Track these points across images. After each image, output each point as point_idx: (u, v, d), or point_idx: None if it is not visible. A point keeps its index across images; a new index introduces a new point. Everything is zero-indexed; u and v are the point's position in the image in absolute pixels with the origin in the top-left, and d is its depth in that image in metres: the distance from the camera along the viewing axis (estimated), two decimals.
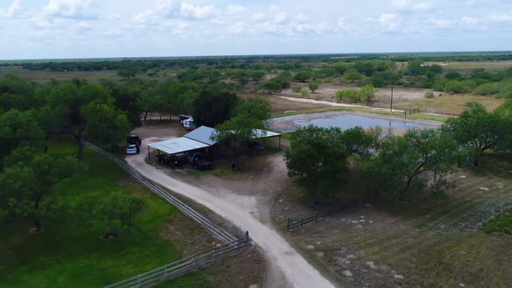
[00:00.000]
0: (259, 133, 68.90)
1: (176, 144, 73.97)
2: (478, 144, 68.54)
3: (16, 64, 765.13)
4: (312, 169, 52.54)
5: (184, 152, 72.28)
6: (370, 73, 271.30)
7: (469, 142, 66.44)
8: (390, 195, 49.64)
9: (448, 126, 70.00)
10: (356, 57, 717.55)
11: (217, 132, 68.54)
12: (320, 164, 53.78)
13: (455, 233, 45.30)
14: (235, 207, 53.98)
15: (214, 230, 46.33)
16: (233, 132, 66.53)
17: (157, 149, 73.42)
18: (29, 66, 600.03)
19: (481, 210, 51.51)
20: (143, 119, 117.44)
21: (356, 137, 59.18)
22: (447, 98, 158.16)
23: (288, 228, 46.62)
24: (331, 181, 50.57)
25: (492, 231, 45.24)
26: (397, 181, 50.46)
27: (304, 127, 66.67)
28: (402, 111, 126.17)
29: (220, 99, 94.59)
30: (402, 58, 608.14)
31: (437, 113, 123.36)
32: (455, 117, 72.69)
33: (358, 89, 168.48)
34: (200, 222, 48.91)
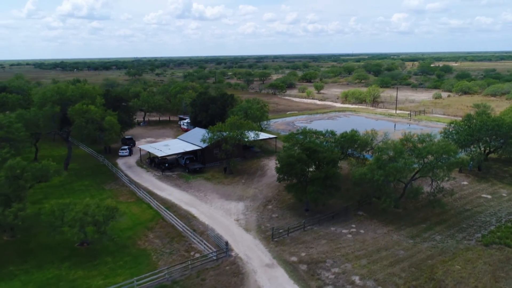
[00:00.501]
0: (251, 135, 66.23)
1: (167, 146, 71.90)
2: (482, 149, 65.11)
3: (28, 63, 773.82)
4: (301, 174, 49.92)
5: (176, 154, 70.11)
6: (378, 73, 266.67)
7: (472, 147, 63.03)
8: (383, 203, 46.77)
9: (450, 129, 66.72)
10: (366, 57, 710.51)
11: (208, 134, 66.23)
12: (312, 169, 51.24)
13: (451, 245, 42.28)
14: (221, 213, 51.59)
15: (194, 239, 43.99)
16: (224, 134, 64.12)
17: (149, 152, 71.49)
18: (40, 65, 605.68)
19: (481, 220, 48.32)
20: (141, 119, 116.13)
21: (350, 141, 56.26)
22: (455, 99, 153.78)
23: (272, 238, 44.07)
24: (321, 188, 47.87)
25: (491, 243, 42.12)
26: (390, 188, 47.53)
27: (298, 129, 63.94)
28: (408, 112, 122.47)
29: (217, 100, 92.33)
30: (413, 58, 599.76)
31: (444, 114, 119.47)
32: (459, 119, 69.20)
33: (364, 89, 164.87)
34: (181, 230, 46.63)
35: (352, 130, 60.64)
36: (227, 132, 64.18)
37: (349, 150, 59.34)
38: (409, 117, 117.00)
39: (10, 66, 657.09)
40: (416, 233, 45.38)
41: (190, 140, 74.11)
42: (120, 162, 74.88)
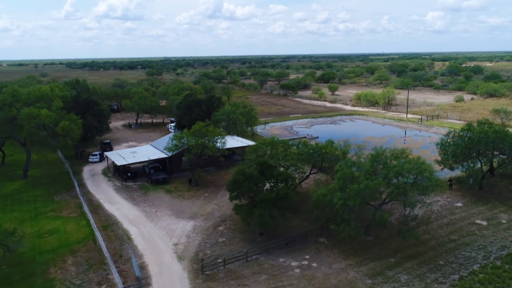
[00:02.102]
0: (218, 144, 59.55)
1: (134, 154, 66.35)
2: (484, 164, 55.84)
3: (61, 63, 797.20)
4: (252, 194, 42.90)
5: (141, 162, 64.41)
6: (402, 74, 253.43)
7: (469, 161, 53.94)
8: (341, 233, 39.05)
9: (448, 140, 57.73)
10: (397, 56, 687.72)
11: (173, 142, 60.18)
12: (268, 188, 44.24)
13: None
14: (163, 235, 45.27)
15: (113, 268, 37.85)
16: (186, 142, 57.88)
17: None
18: (71, 65, 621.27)
19: (465, 255, 39.68)
20: (134, 122, 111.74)
21: (319, 155, 48.57)
22: (478, 103, 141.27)
23: (203, 271, 37.32)
24: (270, 211, 40.67)
25: None
26: (351, 214, 39.66)
27: (266, 140, 56.77)
28: (419, 117, 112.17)
29: (202, 103, 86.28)
30: (446, 58, 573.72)
31: (460, 120, 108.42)
32: (452, 129, 59.97)
33: (379, 91, 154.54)
34: (107, 255, 40.61)
35: (328, 140, 52.92)
36: (189, 140, 57.85)
37: (322, 164, 51.60)
38: (419, 123, 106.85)
39: (43, 65, 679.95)
40: (380, 270, 37.44)
41: (160, 147, 68.28)
42: (86, 169, 70.01)
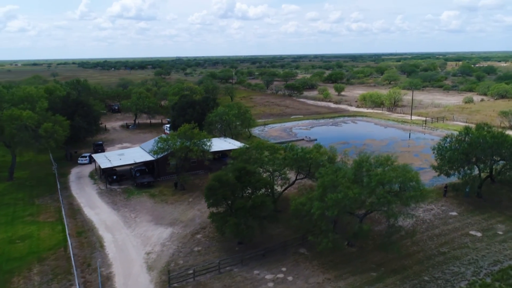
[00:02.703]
0: (204, 147, 57.51)
1: (121, 156, 64.78)
2: (483, 171, 52.72)
3: (74, 62, 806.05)
4: (228, 201, 40.76)
5: (126, 165, 62.79)
6: (412, 74, 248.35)
7: (465, 168, 50.89)
8: (319, 245, 36.64)
9: (446, 145, 54.72)
10: (410, 56, 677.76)
11: (158, 144, 58.40)
12: (247, 195, 42.07)
13: None
14: (137, 242, 43.40)
15: (76, 280, 36.08)
16: (171, 144, 56.03)
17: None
18: (83, 65, 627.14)
19: (453, 271, 36.90)
20: (132, 122, 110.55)
21: (302, 160, 46.11)
22: (488, 104, 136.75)
23: (169, 283, 35.30)
24: (246, 220, 38.47)
25: None
26: (328, 225, 37.18)
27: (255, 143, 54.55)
28: (424, 118, 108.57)
29: (196, 104, 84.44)
30: (459, 58, 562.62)
31: (466, 122, 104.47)
32: (456, 132, 56.93)
33: (386, 92, 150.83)
34: (74, 264, 38.89)
35: (316, 145, 50.39)
36: (174, 143, 55.97)
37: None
38: (424, 125, 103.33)
39: (57, 65, 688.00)
40: (359, 285, 34.95)
41: (149, 150, 66.57)
42: (74, 171, 68.67)
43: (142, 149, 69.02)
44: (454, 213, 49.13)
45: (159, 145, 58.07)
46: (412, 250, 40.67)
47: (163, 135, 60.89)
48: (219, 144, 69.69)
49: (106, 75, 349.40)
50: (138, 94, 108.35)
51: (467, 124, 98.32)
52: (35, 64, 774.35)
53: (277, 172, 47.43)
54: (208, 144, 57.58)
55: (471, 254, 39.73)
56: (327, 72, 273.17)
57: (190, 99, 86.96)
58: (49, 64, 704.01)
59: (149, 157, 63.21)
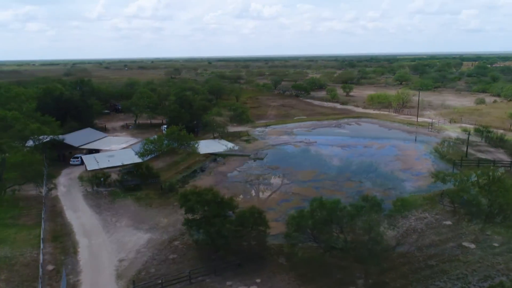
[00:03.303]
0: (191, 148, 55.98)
1: (109, 158, 63.72)
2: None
3: (89, 62, 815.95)
4: (203, 208, 39.05)
5: (114, 167, 61.64)
6: (423, 74, 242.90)
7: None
8: (296, 255, 34.58)
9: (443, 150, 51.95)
10: (425, 56, 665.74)
11: (145, 146, 57.08)
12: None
13: None
14: (112, 248, 42.00)
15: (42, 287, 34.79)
16: (155, 147, 54.62)
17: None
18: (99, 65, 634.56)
19: (438, 286, 34.41)
20: (132, 122, 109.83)
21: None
22: (501, 106, 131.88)
23: None
24: (221, 228, 36.64)
25: None
26: (299, 236, 35.00)
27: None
28: (430, 120, 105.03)
29: (191, 105, 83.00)
30: (476, 57, 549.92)
31: (475, 124, 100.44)
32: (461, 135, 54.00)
33: (394, 92, 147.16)
34: (41, 271, 37.65)
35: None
36: (161, 145, 54.55)
37: None
38: (429, 127, 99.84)
39: (73, 64, 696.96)
40: None
41: (135, 151, 65.31)
42: (65, 172, 67.72)
43: (133, 150, 67.81)
44: (448, 222, 46.44)
45: (145, 147, 56.73)
46: (398, 262, 38.26)
47: (151, 137, 59.53)
48: (212, 145, 68.13)
49: (118, 74, 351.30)
50: (139, 94, 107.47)
51: (474, 127, 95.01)
52: (52, 64, 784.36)
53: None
54: (196, 146, 55.97)
55: (460, 268, 37.13)
56: (338, 72, 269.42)
57: (186, 99, 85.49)
58: (65, 63, 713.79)
59: (138, 159, 61.92)
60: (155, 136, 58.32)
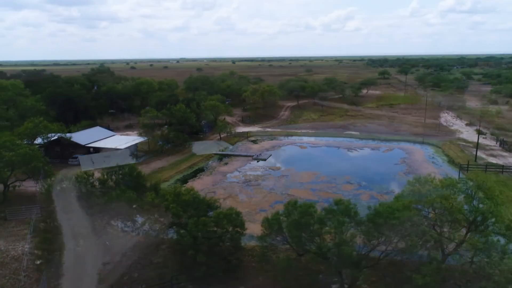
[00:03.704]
0: None
1: (106, 158, 63.20)
2: None
3: (119, 62, 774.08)
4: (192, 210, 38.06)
5: (109, 168, 60.93)
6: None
7: None
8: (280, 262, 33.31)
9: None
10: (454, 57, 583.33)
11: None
12: None
13: None
14: (98, 251, 41.10)
15: None
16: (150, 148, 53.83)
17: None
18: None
19: None
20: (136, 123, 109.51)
21: None
22: None
23: None
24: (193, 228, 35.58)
25: None
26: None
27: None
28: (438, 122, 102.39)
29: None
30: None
31: (492, 128, 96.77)
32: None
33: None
34: (22, 274, 37.11)
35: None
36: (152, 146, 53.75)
37: None
38: (438, 129, 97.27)
39: (100, 64, 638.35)
40: None
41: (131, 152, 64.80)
42: (63, 172, 67.44)
43: (130, 150, 67.29)
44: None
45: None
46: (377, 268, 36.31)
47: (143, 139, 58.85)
48: (209, 147, 67.36)
49: (140, 74, 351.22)
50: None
51: (492, 130, 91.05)
52: (85, 63, 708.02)
53: None
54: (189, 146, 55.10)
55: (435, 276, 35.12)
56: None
57: (193, 99, 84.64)
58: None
59: (132, 160, 61.35)
60: (146, 138, 57.48)
